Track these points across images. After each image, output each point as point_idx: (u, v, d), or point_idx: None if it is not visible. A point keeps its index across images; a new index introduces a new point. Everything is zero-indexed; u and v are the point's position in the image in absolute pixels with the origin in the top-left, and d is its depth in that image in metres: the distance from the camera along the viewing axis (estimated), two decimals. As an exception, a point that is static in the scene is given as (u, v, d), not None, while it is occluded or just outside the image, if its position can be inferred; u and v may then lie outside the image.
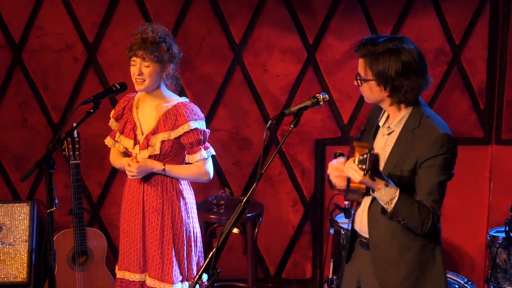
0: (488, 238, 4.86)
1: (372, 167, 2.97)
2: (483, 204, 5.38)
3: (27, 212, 5.03)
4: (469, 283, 4.69)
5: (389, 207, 3.14)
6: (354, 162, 3.02)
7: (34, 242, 5.00)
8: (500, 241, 4.74)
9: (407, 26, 5.20)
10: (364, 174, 2.99)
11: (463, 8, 5.19)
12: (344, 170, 3.16)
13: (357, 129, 5.33)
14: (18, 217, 5.02)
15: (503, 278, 4.75)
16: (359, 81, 3.27)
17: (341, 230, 4.70)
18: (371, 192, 3.15)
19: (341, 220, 4.85)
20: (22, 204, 5.06)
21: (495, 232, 4.89)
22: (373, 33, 5.20)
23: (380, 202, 3.17)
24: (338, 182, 3.27)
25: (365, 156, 2.96)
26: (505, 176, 5.32)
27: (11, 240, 4.99)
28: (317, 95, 3.31)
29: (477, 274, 5.40)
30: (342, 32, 5.21)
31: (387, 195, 3.12)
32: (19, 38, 5.11)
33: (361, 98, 5.23)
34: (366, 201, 3.37)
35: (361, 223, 3.40)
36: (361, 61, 3.25)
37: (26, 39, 5.10)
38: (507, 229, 4.69)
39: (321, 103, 3.31)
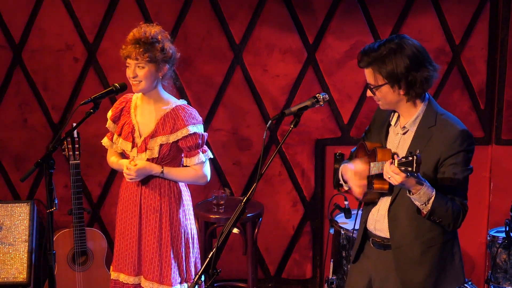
0: (488, 238, 4.86)
1: (418, 169, 2.98)
2: (483, 204, 5.38)
3: (27, 212, 5.02)
4: (469, 283, 4.69)
5: (426, 208, 3.15)
6: (393, 164, 3.02)
7: (34, 242, 4.99)
8: (500, 241, 4.74)
9: (407, 26, 5.20)
10: (408, 176, 3.00)
11: (463, 8, 5.19)
12: (364, 173, 3.22)
13: (357, 129, 5.33)
14: (18, 217, 5.02)
15: (503, 278, 4.75)
16: (373, 90, 3.26)
17: (341, 230, 4.69)
18: (407, 194, 3.16)
19: (341, 220, 4.85)
20: (22, 204, 5.06)
21: (495, 232, 4.89)
22: (373, 33, 5.21)
23: (416, 203, 3.17)
24: (359, 187, 3.29)
25: (409, 158, 2.96)
26: (505, 176, 5.32)
27: (11, 240, 4.98)
28: (317, 95, 3.32)
29: (477, 274, 5.40)
30: (342, 32, 5.21)
31: (425, 195, 3.13)
32: (19, 38, 5.10)
33: (361, 98, 5.31)
34: (383, 201, 3.37)
35: (377, 222, 3.39)
36: (368, 71, 3.25)
37: (26, 39, 5.10)
38: (507, 229, 4.69)
39: (321, 103, 3.31)
